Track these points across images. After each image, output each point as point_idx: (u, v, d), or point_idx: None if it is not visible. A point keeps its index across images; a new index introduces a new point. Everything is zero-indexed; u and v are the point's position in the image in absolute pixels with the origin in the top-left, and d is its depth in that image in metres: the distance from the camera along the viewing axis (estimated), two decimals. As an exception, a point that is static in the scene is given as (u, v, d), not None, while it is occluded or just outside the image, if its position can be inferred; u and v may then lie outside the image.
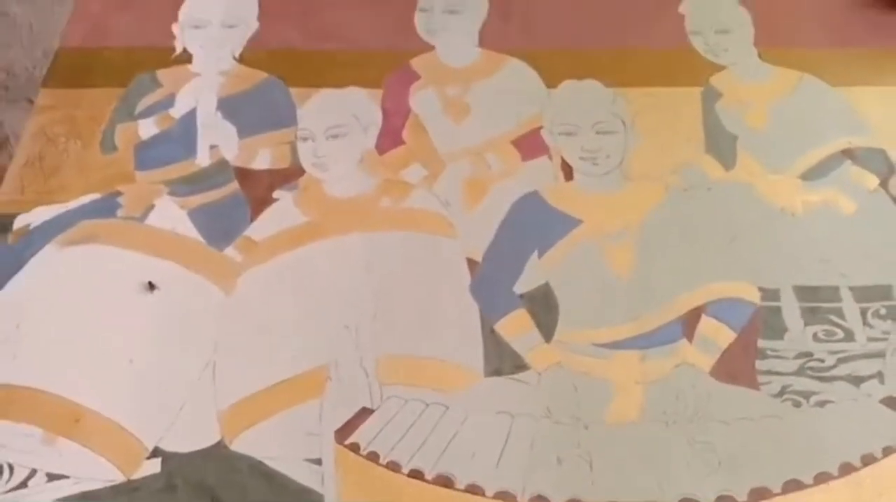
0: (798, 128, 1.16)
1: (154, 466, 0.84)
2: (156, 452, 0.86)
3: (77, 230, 1.02)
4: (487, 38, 1.28)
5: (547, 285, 1.00)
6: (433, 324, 0.96)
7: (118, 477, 0.84)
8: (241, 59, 1.25)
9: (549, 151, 1.13)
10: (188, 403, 0.89)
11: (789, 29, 1.30)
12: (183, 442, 0.86)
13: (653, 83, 1.22)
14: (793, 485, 0.83)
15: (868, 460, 0.85)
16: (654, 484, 0.83)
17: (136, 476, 0.84)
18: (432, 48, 1.26)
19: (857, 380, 0.91)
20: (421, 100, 1.20)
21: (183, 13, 1.29)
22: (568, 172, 1.11)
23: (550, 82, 1.21)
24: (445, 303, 0.98)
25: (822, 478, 0.84)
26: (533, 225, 1.05)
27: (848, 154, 1.13)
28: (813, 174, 1.11)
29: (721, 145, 1.14)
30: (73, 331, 0.95)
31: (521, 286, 1.00)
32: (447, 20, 1.29)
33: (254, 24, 1.28)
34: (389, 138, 1.15)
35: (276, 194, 1.07)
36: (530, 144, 1.14)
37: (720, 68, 1.23)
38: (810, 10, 1.33)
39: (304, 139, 1.13)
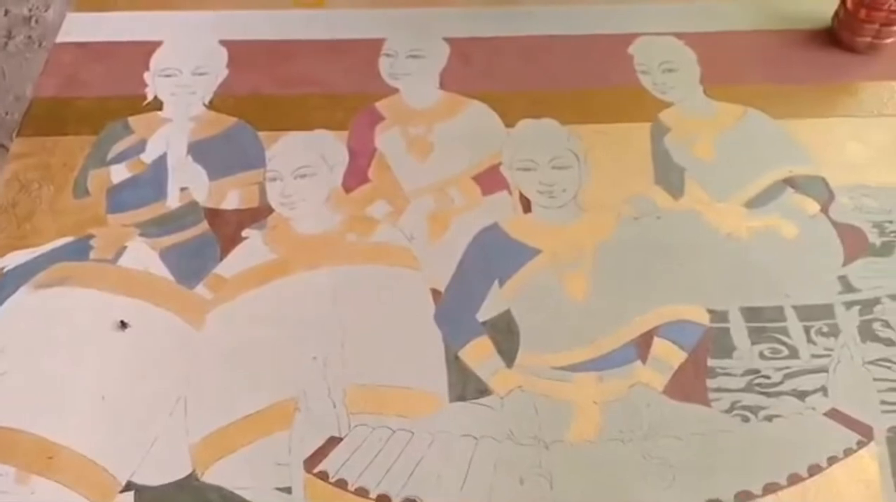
0: (742, 159, 1.23)
1: (127, 500, 0.86)
2: (129, 486, 0.88)
3: (50, 272, 1.05)
4: (448, 81, 1.35)
5: (508, 312, 1.04)
6: (399, 353, 0.99)
7: (92, 512, 0.85)
8: (211, 105, 1.30)
9: (508, 186, 1.19)
10: (160, 437, 0.91)
11: (733, 67, 1.37)
12: (155, 476, 0.88)
13: (605, 120, 1.29)
14: (744, 496, 0.88)
15: (814, 470, 0.90)
16: (613, 500, 0.87)
17: (109, 510, 0.86)
18: (396, 91, 1.32)
19: (802, 395, 0.96)
20: (386, 139, 1.25)
21: (154, 62, 1.34)
22: (526, 205, 1.17)
23: (509, 122, 1.28)
24: (410, 333, 1.01)
25: (771, 488, 0.88)
26: (493, 255, 1.09)
27: (789, 182, 1.19)
28: (757, 202, 1.17)
29: (670, 176, 1.20)
30: (47, 370, 0.97)
31: (483, 314, 1.04)
32: (410, 65, 1.36)
33: (223, 72, 1.33)
34: (355, 177, 1.20)
35: (245, 233, 1.11)
36: (490, 180, 1.20)
37: (668, 105, 1.30)
38: (752, 50, 1.41)
39: (273, 179, 1.18)
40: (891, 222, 1.15)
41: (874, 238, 1.13)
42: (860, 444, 0.92)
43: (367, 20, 1.45)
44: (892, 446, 0.92)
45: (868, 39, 1.38)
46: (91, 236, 1.10)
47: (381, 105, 1.30)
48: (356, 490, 0.87)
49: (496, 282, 1.07)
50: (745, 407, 0.95)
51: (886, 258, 1.10)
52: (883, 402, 0.95)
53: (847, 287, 1.07)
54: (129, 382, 0.96)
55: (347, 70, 1.37)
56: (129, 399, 0.95)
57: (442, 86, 1.34)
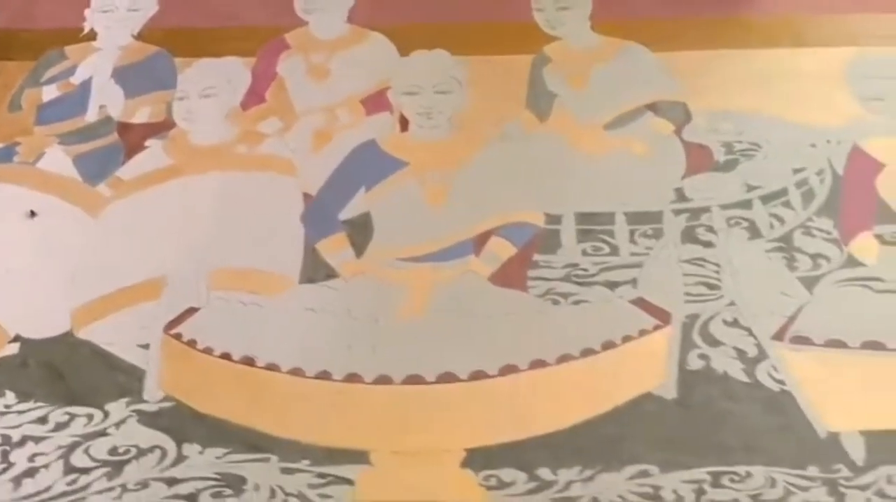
0: (613, 87, 1.32)
1: (13, 348, 1.03)
2: (16, 338, 1.04)
3: (-23, 171, 1.22)
4: (357, 16, 1.46)
5: (368, 214, 1.16)
6: (263, 243, 1.13)
7: (-20, 356, 1.02)
8: (139, 37, 1.44)
9: (390, 107, 1.30)
10: (48, 302, 1.07)
11: (626, 3, 1.45)
12: (39, 331, 1.04)
13: (494, 52, 1.39)
14: (537, 364, 0.99)
15: (608, 346, 1.00)
16: (421, 363, 0.99)
17: (-3, 355, 1.02)
18: (307, 24, 1.44)
19: (613, 285, 1.07)
20: (288, 65, 1.38)
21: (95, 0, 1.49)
22: (405, 125, 1.28)
23: (404, 52, 1.38)
24: (277, 228, 1.15)
25: (564, 359, 0.99)
26: (364, 166, 1.22)
27: (652, 107, 1.28)
28: (616, 123, 1.26)
29: (540, 102, 1.30)
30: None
31: (345, 214, 1.16)
32: (324, 1, 1.47)
33: (154, 8, 1.48)
34: (254, 97, 1.33)
35: (147, 142, 1.26)
36: (376, 102, 1.32)
37: (556, 39, 1.40)
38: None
39: (181, 98, 1.32)
40: (740, 142, 1.23)
41: (720, 156, 1.21)
42: (657, 327, 1.02)
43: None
44: (686, 330, 1.02)
45: (758, -23, 1.45)
46: (17, 143, 1.27)
47: (289, 35, 1.42)
48: (203, 348, 1.02)
49: (363, 189, 1.19)
50: (558, 294, 1.06)
51: (727, 173, 1.19)
52: (688, 294, 1.05)
53: (681, 197, 1.16)
54: (31, 258, 1.12)
55: (266, 6, 1.49)
56: (29, 272, 1.11)
57: (350, 19, 1.45)
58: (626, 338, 1.01)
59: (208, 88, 1.33)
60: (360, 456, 0.92)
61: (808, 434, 0.93)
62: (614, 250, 1.11)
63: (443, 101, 1.30)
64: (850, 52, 1.34)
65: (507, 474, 0.90)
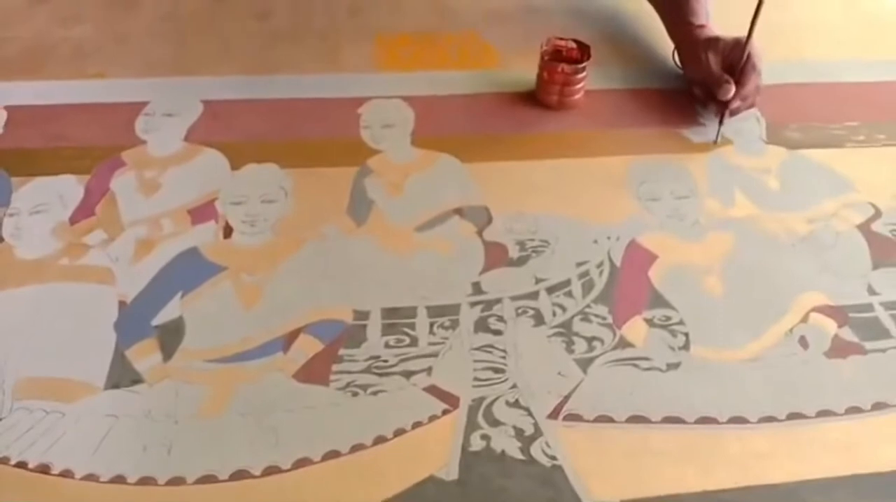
0: (426, 194, 1.46)
1: None
2: None
3: None
4: (194, 135, 1.57)
5: (181, 317, 1.22)
6: (73, 352, 1.16)
7: None
8: (-22, 159, 1.49)
9: (216, 216, 1.39)
10: None
11: (443, 122, 1.63)
12: None
13: (322, 165, 1.52)
14: (331, 455, 1.05)
15: (399, 432, 1.08)
16: (216, 462, 1.03)
17: None
18: (144, 143, 1.54)
19: (409, 374, 1.15)
20: (121, 181, 1.45)
21: (-67, 124, 1.54)
22: (228, 233, 1.37)
23: (236, 166, 1.49)
24: (88, 337, 1.18)
25: (357, 448, 1.06)
26: (183, 272, 1.28)
27: (458, 211, 1.42)
28: (426, 226, 1.39)
29: (359, 209, 1.42)
30: None
31: (158, 320, 1.21)
32: (163, 122, 1.58)
33: (-2, 132, 1.54)
34: (83, 211, 1.39)
35: (-29, 260, 1.29)
36: (203, 212, 1.40)
37: (378, 152, 1.54)
38: (464, 108, 1.68)
39: (11, 215, 1.36)
40: (532, 240, 1.37)
41: (514, 253, 1.35)
42: (445, 412, 1.10)
43: (140, 87, 1.68)
44: (472, 412, 1.10)
45: (555, 97, 1.66)
46: None
47: (126, 154, 1.51)
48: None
49: (179, 294, 1.25)
50: (357, 386, 1.13)
51: (519, 268, 1.32)
52: (476, 379, 1.15)
53: (477, 290, 1.28)
54: None
55: (108, 127, 1.58)
56: None
57: (186, 138, 1.55)
58: (417, 425, 1.09)
59: (39, 205, 1.38)
60: (143, 558, 0.94)
61: (575, 504, 1.01)
62: (414, 341, 1.20)
63: (267, 209, 1.40)
64: (631, 159, 1.55)
65: (284, 566, 0.94)
